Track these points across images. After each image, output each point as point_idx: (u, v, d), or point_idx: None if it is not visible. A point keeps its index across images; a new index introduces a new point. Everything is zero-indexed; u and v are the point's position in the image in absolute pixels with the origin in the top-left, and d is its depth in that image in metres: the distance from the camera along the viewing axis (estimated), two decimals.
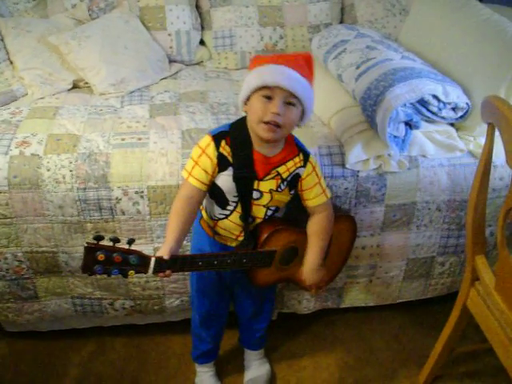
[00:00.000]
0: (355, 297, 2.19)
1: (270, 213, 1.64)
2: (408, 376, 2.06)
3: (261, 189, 1.56)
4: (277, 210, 1.66)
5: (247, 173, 1.53)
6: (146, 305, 2.05)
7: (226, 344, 2.13)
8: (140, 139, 1.94)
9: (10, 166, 1.82)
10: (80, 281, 1.98)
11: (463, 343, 2.05)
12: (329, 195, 1.66)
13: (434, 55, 2.20)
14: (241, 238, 1.65)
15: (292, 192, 1.62)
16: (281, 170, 1.56)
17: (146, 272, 1.42)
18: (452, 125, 2.01)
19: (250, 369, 2.04)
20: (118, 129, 2.01)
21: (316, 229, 1.67)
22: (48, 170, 1.82)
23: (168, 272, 1.45)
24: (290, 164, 1.57)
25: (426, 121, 1.94)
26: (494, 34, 2.01)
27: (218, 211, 1.62)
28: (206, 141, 1.51)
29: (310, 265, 1.69)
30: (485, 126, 1.52)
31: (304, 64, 1.46)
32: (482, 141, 1.92)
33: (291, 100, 1.43)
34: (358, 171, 1.89)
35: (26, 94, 2.29)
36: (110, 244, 1.37)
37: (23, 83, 2.29)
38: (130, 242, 1.40)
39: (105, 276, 1.39)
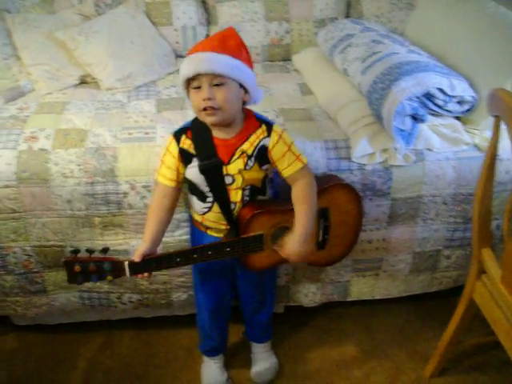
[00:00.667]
0: (361, 290, 2.19)
1: (247, 193, 1.62)
2: (414, 369, 2.06)
3: (230, 172, 1.57)
4: (255, 190, 1.64)
5: (212, 161, 1.55)
6: (153, 299, 2.06)
7: (233, 337, 2.15)
8: (147, 133, 1.95)
9: (18, 161, 1.83)
10: None
11: (469, 336, 2.05)
12: (305, 161, 1.61)
13: (440, 49, 2.20)
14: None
15: (264, 167, 1.61)
16: (245, 147, 1.56)
17: (124, 275, 1.53)
18: (458, 118, 2.01)
19: (257, 362, 2.05)
20: (125, 123, 2.03)
21: (298, 197, 1.61)
22: (56, 165, 1.84)
23: (146, 274, 1.55)
24: (252, 138, 1.57)
25: (432, 114, 1.94)
26: (500, 28, 2.01)
27: (200, 206, 1.65)
28: (169, 140, 1.60)
29: (295, 236, 1.61)
30: (491, 120, 1.52)
31: (223, 40, 1.47)
32: (488, 134, 1.94)
33: (217, 81, 1.45)
34: (364, 165, 1.89)
35: (34, 90, 2.32)
36: (86, 255, 1.50)
37: (30, 79, 2.32)
38: (105, 250, 1.52)
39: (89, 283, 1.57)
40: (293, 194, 1.62)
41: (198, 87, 1.46)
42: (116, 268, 1.52)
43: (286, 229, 1.66)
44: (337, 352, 2.15)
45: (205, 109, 1.47)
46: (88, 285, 2.00)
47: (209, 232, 1.69)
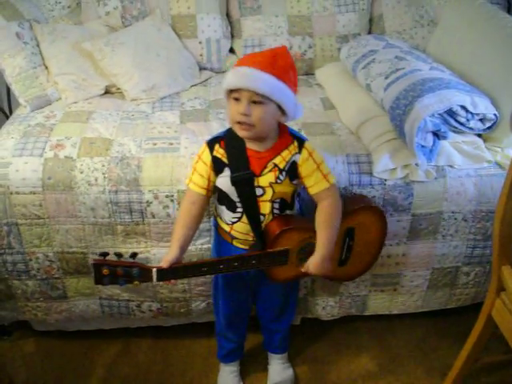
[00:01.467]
0: (379, 305, 2.19)
1: (276, 206, 1.64)
2: None
3: (261, 184, 1.59)
4: (284, 203, 1.66)
5: (244, 173, 1.57)
6: (172, 307, 2.08)
7: (250, 346, 2.16)
8: (171, 144, 1.98)
9: (44, 168, 1.87)
10: None
11: (486, 353, 2.04)
12: (332, 181, 1.62)
13: (462, 66, 2.21)
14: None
15: (294, 182, 1.63)
16: (277, 160, 1.58)
17: (151, 281, 1.55)
18: (479, 136, 2.01)
19: (274, 373, 2.06)
20: (150, 134, 2.06)
21: (321, 218, 1.64)
22: (81, 173, 1.87)
23: (173, 280, 1.55)
24: (285, 153, 1.59)
25: (454, 131, 1.95)
26: None
27: (230, 215, 1.66)
28: (202, 147, 1.62)
29: (316, 258, 1.65)
30: None
31: (273, 60, 1.47)
32: (510, 152, 1.96)
33: (257, 99, 1.46)
34: (386, 180, 1.90)
35: (60, 99, 2.36)
36: (115, 259, 1.53)
37: (57, 88, 2.35)
38: (133, 255, 1.55)
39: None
40: (317, 213, 1.65)
41: (238, 99, 1.48)
42: (144, 274, 1.54)
43: (311, 244, 1.68)
44: (353, 366, 2.15)
45: (239, 122, 1.49)
46: (108, 292, 2.02)
47: (235, 243, 1.70)
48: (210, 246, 1.92)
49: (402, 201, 1.93)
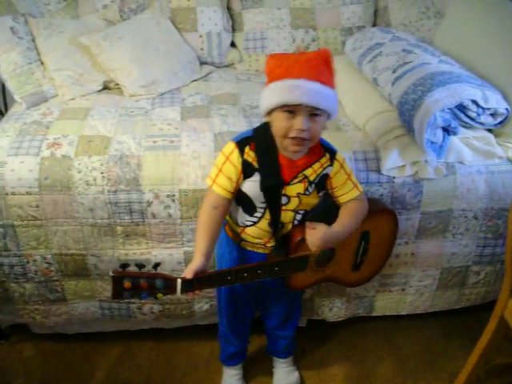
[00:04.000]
0: (387, 305, 2.15)
1: (299, 217, 1.59)
2: None
3: (288, 193, 1.53)
4: (306, 214, 1.61)
5: (275, 181, 1.50)
6: (174, 309, 2.03)
7: (254, 348, 2.13)
8: (172, 142, 1.92)
9: (40, 168, 1.81)
10: (108, 284, 1.96)
11: (498, 355, 2.00)
12: (361, 189, 1.61)
13: (471, 59, 2.15)
14: (269, 245, 1.62)
15: (320, 194, 1.58)
16: (307, 172, 1.52)
17: (174, 293, 1.44)
18: (490, 131, 1.96)
19: (279, 377, 2.02)
20: (150, 131, 2.00)
21: (345, 210, 1.60)
22: (79, 172, 1.81)
23: (197, 291, 1.47)
24: (316, 166, 1.53)
25: (464, 126, 1.90)
26: None
27: (245, 218, 1.59)
28: (230, 148, 1.50)
29: (328, 228, 1.56)
30: None
31: (324, 68, 1.39)
32: None
33: (315, 112, 1.39)
34: (394, 177, 1.86)
35: (57, 95, 2.30)
36: (136, 270, 1.41)
37: (54, 84, 2.30)
38: (156, 265, 1.45)
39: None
40: (342, 208, 1.61)
41: (291, 111, 1.38)
42: (168, 285, 1.43)
43: (330, 250, 1.65)
44: (360, 368, 2.10)
45: (293, 137, 1.40)
46: (108, 294, 1.97)
47: (242, 244, 1.65)
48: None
49: (410, 199, 1.88)
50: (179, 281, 1.42)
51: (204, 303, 2.03)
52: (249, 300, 1.82)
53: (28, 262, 1.90)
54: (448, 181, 1.87)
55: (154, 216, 1.83)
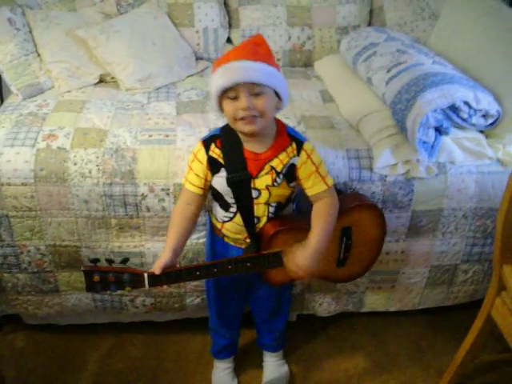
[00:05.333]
0: (376, 302, 2.17)
1: (272, 209, 1.60)
2: (427, 383, 2.04)
3: (257, 186, 1.54)
4: (280, 206, 1.62)
5: (240, 176, 1.52)
6: (166, 302, 2.05)
7: (245, 342, 2.14)
8: (167, 136, 1.94)
9: (36, 159, 1.82)
10: None
11: (484, 352, 2.02)
12: (330, 183, 1.58)
13: (465, 61, 2.18)
14: (248, 240, 1.64)
15: (291, 184, 1.59)
16: (274, 163, 1.53)
17: (143, 287, 1.49)
18: (481, 132, 1.98)
19: (269, 370, 2.03)
20: (146, 125, 2.01)
21: (316, 214, 1.57)
22: (74, 164, 1.82)
23: (165, 286, 1.49)
24: (282, 156, 1.53)
25: (456, 127, 1.92)
26: None
27: (222, 214, 1.63)
28: (197, 146, 1.56)
29: (306, 251, 1.53)
30: None
31: (254, 47, 1.43)
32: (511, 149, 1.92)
33: (256, 90, 1.41)
34: (386, 176, 1.87)
35: (53, 87, 2.31)
36: (106, 265, 1.48)
37: (50, 76, 2.31)
38: (124, 261, 1.50)
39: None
40: (313, 211, 1.59)
41: (235, 97, 1.41)
42: (135, 279, 1.48)
43: None
44: (349, 363, 2.12)
45: (242, 118, 1.43)
46: None
47: (226, 239, 1.68)
48: (205, 240, 1.88)
49: (402, 197, 1.90)
50: (146, 275, 1.48)
51: (195, 297, 2.04)
52: (237, 293, 1.84)
53: (22, 253, 1.91)
54: (439, 180, 1.90)
55: (148, 209, 1.85)
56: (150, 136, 1.93)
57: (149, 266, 1.93)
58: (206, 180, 1.55)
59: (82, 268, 1.48)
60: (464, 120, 1.90)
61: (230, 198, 1.57)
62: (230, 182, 1.52)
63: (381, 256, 1.99)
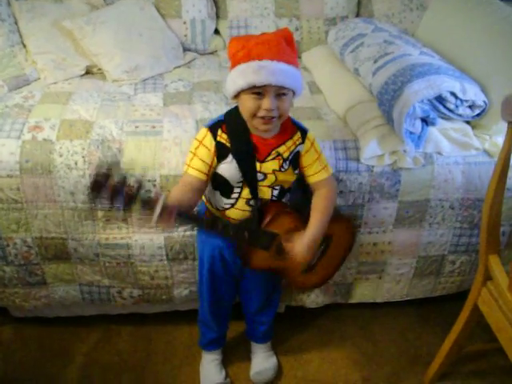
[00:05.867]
0: (364, 293, 2.17)
1: (276, 193, 1.63)
2: (414, 373, 2.05)
3: (263, 170, 1.57)
4: (283, 190, 1.65)
5: (248, 155, 1.54)
6: (154, 294, 2.04)
7: (233, 334, 2.14)
8: (154, 127, 1.93)
9: (22, 151, 1.81)
10: (88, 268, 1.97)
11: (471, 342, 2.03)
12: (330, 171, 1.67)
13: (452, 52, 2.18)
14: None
15: (296, 172, 1.63)
16: (281, 150, 1.57)
17: (152, 209, 1.36)
18: (468, 123, 1.99)
19: (257, 361, 2.03)
20: (132, 116, 2.00)
21: (316, 205, 1.65)
22: (60, 156, 1.81)
23: (172, 220, 1.39)
24: (289, 143, 1.58)
25: (443, 118, 1.92)
26: None
27: (223, 201, 1.63)
28: (203, 133, 1.55)
29: (305, 238, 1.60)
30: (501, 125, 1.52)
31: (285, 46, 1.44)
32: (498, 140, 1.93)
33: (282, 91, 1.43)
34: (373, 166, 1.88)
35: (39, 79, 2.30)
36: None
37: (36, 67, 2.29)
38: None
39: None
40: (314, 200, 1.66)
41: (259, 93, 1.42)
42: (149, 201, 1.36)
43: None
44: (337, 354, 2.13)
45: (262, 117, 1.45)
46: (88, 278, 1.99)
47: None
48: (193, 233, 1.88)
49: (389, 188, 1.90)
50: (162, 197, 1.37)
51: (183, 288, 2.04)
52: (229, 285, 1.84)
53: (8, 245, 1.90)
54: (426, 171, 1.90)
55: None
56: (137, 127, 1.92)
57: (136, 257, 1.93)
58: (210, 166, 1.55)
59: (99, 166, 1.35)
60: (451, 111, 1.90)
61: (236, 182, 1.58)
62: (239, 159, 1.53)
63: (368, 247, 2.02)
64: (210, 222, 1.57)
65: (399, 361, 2.11)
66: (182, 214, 1.44)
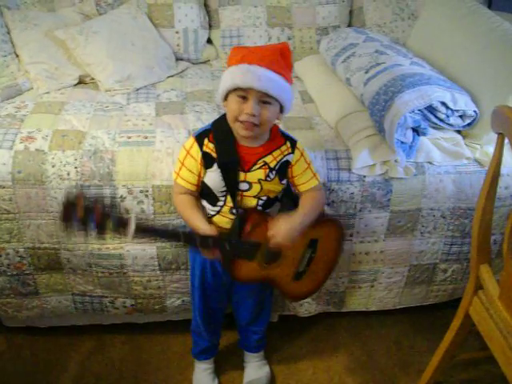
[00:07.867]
0: (356, 301, 2.18)
1: (261, 203, 1.64)
2: (407, 381, 2.05)
3: (249, 180, 1.58)
4: (269, 201, 1.65)
5: (231, 160, 1.55)
6: (146, 304, 2.04)
7: (226, 343, 2.14)
8: (146, 138, 1.93)
9: (14, 161, 1.81)
10: (81, 278, 1.97)
11: (463, 350, 2.04)
12: (319, 179, 1.70)
13: (443, 61, 2.20)
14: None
15: (283, 182, 1.64)
16: (267, 159, 1.58)
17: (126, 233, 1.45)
18: (459, 132, 2.00)
19: (250, 371, 2.03)
20: (124, 126, 2.01)
21: (304, 201, 1.66)
22: (53, 167, 1.81)
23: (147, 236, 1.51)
24: (276, 153, 1.60)
25: (434, 127, 1.94)
26: (503, 43, 2.00)
27: (209, 208, 1.65)
28: (190, 142, 1.58)
29: (290, 220, 1.58)
30: (492, 135, 1.52)
31: (279, 58, 1.46)
32: (489, 149, 1.94)
33: (266, 99, 1.45)
34: (364, 176, 1.89)
35: (32, 88, 2.29)
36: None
37: (29, 77, 2.29)
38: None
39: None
40: (301, 200, 1.68)
41: (243, 97, 1.45)
42: (122, 222, 1.45)
43: (278, 253, 1.67)
44: (330, 363, 2.13)
45: (242, 121, 1.46)
46: (81, 288, 1.98)
47: None
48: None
49: (380, 197, 1.91)
50: (133, 217, 1.46)
51: (176, 298, 2.04)
52: (221, 295, 1.85)
53: (0, 256, 1.89)
54: (417, 180, 1.91)
55: (127, 211, 1.84)
56: (129, 138, 1.93)
57: (128, 267, 1.93)
58: (199, 176, 1.58)
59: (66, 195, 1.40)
60: (441, 120, 1.92)
61: (219, 192, 1.59)
62: (222, 166, 1.55)
63: (360, 256, 2.02)
64: (186, 236, 1.57)
65: (392, 369, 2.12)
66: (152, 230, 1.52)
